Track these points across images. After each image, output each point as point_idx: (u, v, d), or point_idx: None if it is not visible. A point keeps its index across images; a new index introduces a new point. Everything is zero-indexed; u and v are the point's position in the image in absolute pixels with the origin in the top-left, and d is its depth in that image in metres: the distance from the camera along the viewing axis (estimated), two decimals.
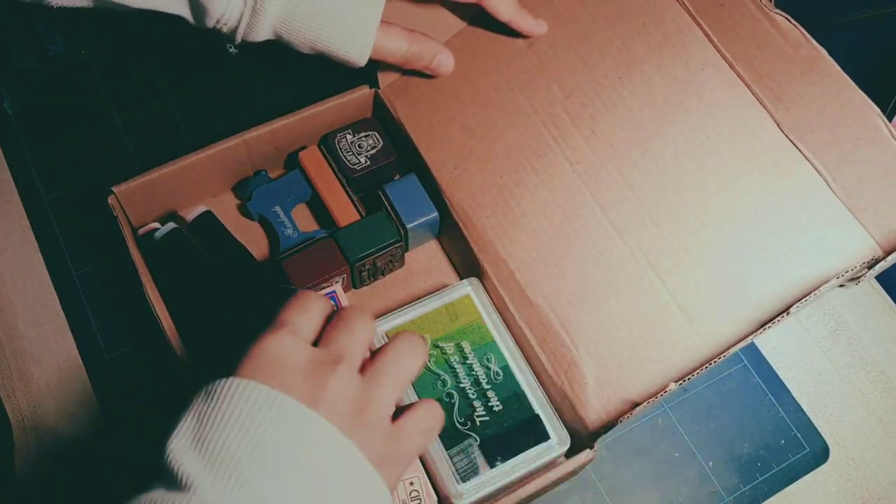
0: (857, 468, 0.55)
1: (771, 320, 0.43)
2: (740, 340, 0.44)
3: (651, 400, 0.44)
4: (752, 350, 0.58)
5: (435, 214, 0.55)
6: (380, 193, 0.55)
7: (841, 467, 0.55)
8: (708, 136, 0.48)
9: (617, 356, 0.47)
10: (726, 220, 0.47)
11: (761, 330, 0.43)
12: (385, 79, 0.57)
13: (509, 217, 0.52)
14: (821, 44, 0.59)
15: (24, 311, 0.55)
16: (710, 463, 0.54)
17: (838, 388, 0.58)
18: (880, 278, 0.62)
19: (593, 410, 0.47)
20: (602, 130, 0.51)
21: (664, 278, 0.47)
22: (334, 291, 0.51)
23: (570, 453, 0.48)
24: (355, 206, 0.56)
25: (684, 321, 0.46)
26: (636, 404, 0.45)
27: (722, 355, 0.43)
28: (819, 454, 0.55)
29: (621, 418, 0.44)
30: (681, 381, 0.44)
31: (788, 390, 0.57)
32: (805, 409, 0.56)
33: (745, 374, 0.57)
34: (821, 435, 0.55)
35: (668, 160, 0.49)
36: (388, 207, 0.55)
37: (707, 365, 0.44)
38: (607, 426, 0.45)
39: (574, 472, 0.49)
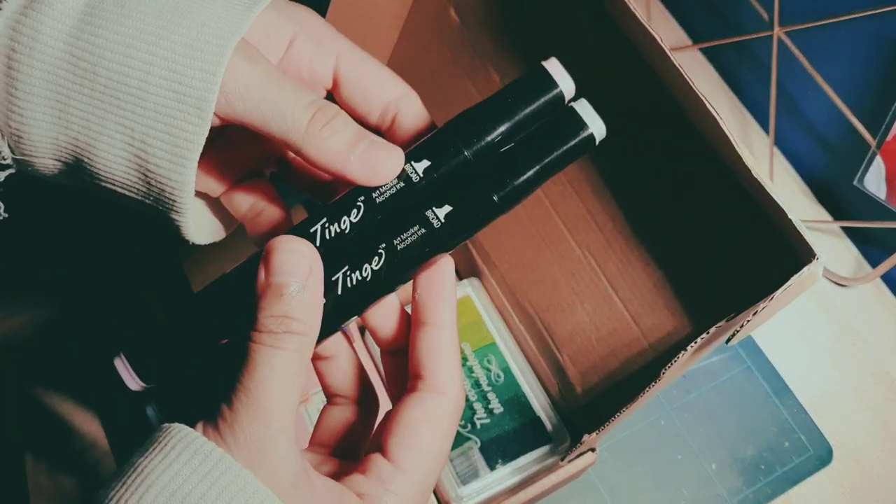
0: (862, 470, 0.54)
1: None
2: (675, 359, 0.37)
3: (623, 412, 0.40)
4: (756, 352, 0.57)
5: None
6: None
7: (845, 469, 0.54)
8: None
9: (594, 366, 0.46)
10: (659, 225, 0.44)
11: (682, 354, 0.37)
12: None
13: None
14: (821, 43, 0.59)
15: None
16: (713, 465, 0.53)
17: (842, 390, 0.57)
18: (886, 279, 0.61)
19: (586, 416, 0.46)
20: None
21: (613, 285, 0.46)
22: None
23: (571, 457, 0.47)
24: None
25: (639, 334, 0.45)
26: (615, 414, 0.41)
27: (664, 370, 0.38)
28: (823, 456, 0.54)
29: (602, 428, 0.42)
30: (598, 431, 0.41)
31: (792, 392, 0.56)
32: (809, 412, 0.56)
33: (749, 375, 0.56)
34: (824, 437, 0.55)
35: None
36: None
37: (653, 384, 0.38)
38: (598, 431, 0.43)
39: (575, 476, 0.48)
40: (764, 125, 0.68)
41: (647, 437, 0.54)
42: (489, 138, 0.28)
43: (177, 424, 0.25)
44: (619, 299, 0.45)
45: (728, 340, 0.34)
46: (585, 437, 0.42)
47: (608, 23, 0.40)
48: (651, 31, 0.34)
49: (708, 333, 0.34)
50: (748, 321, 0.32)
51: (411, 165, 0.28)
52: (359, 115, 0.30)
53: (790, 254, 0.31)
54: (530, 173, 0.28)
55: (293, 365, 0.26)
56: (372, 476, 0.27)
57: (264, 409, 0.25)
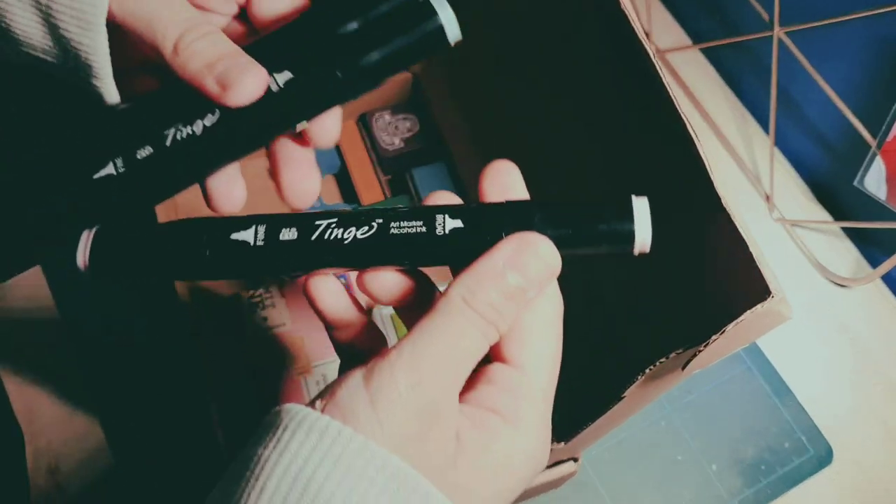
0: (862, 471, 0.54)
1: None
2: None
3: (589, 426, 0.39)
4: (756, 352, 0.58)
5: None
6: (406, 175, 0.56)
7: (845, 470, 0.54)
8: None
9: (573, 376, 0.45)
10: None
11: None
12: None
13: None
14: (821, 44, 0.59)
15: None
16: (714, 466, 0.53)
17: (842, 391, 0.57)
18: (886, 280, 0.62)
19: (562, 424, 0.46)
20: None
21: (598, 295, 0.45)
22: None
23: (554, 463, 0.46)
24: (381, 186, 0.57)
25: (615, 349, 0.43)
26: (582, 428, 0.40)
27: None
28: (823, 457, 0.54)
29: (568, 439, 0.40)
30: (566, 441, 0.40)
31: (792, 393, 0.56)
32: (809, 412, 0.56)
33: (749, 376, 0.57)
34: (825, 438, 0.55)
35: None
36: (413, 190, 0.55)
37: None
38: (565, 442, 0.41)
39: (555, 484, 0.47)
40: (764, 126, 0.68)
41: (648, 438, 0.54)
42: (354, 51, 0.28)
43: (286, 405, 0.24)
44: (604, 306, 0.45)
45: (683, 367, 0.33)
46: (553, 446, 0.41)
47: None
48: (645, 43, 0.33)
49: (667, 358, 0.32)
50: (700, 352, 0.30)
51: (273, 77, 0.28)
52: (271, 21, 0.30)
53: (755, 288, 0.29)
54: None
55: (478, 351, 0.25)
56: (500, 385, 0.26)
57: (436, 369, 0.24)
